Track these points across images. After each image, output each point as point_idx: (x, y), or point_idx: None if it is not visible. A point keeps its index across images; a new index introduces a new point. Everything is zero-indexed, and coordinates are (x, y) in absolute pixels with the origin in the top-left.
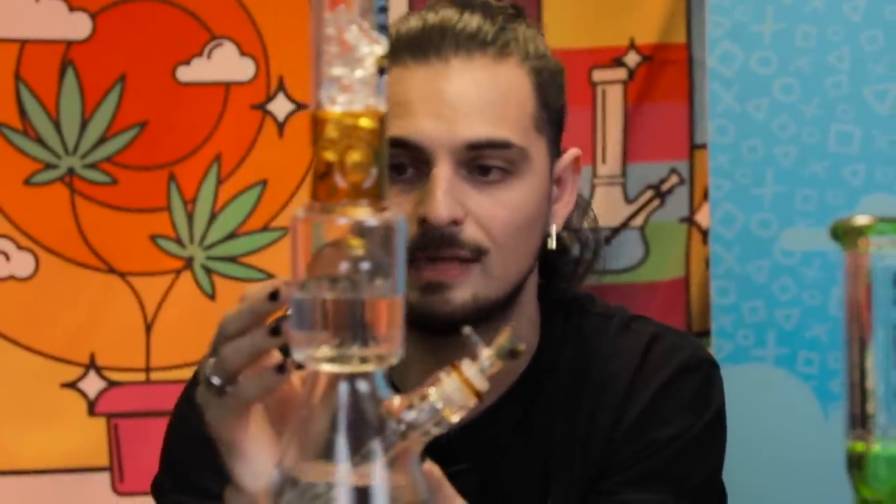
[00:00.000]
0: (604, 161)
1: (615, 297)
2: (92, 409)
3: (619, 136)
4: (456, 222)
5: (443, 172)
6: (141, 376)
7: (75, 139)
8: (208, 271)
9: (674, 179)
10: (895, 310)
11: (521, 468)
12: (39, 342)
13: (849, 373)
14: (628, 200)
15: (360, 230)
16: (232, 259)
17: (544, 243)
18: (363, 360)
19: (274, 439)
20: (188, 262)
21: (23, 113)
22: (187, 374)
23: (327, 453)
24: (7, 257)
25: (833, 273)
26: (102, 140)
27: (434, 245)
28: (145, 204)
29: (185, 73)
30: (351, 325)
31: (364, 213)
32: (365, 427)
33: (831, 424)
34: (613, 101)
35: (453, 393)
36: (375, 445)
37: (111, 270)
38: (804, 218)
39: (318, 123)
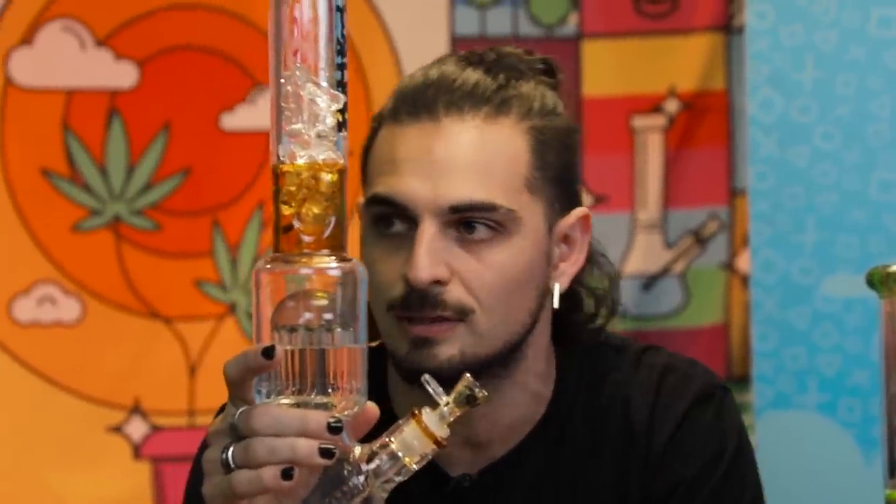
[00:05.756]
0: (644, 207)
1: (655, 343)
2: (137, 453)
3: (659, 182)
4: (440, 282)
5: (426, 233)
6: (185, 420)
7: (121, 186)
8: (251, 316)
9: (714, 225)
10: None
11: None
12: (85, 386)
13: (886, 420)
14: (668, 246)
15: (322, 280)
16: None
17: (549, 301)
18: (325, 408)
19: None
20: (232, 307)
21: (70, 160)
22: None
23: None
24: (54, 303)
25: (875, 320)
26: (148, 187)
27: (417, 306)
28: (189, 249)
29: (228, 121)
30: (311, 375)
31: (325, 263)
32: (328, 475)
33: (873, 471)
34: (653, 148)
35: (413, 441)
36: (338, 494)
37: (156, 315)
38: (845, 265)
39: (277, 178)
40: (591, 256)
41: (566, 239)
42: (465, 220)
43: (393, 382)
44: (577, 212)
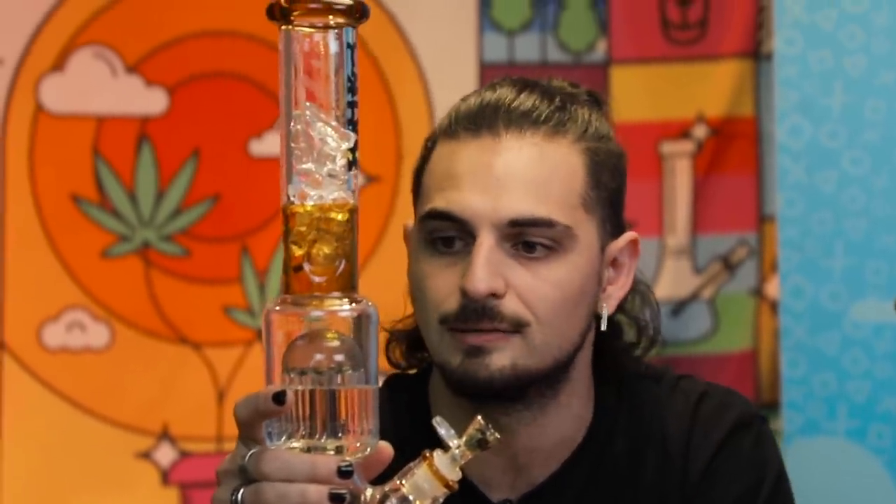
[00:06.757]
0: (672, 233)
1: (684, 369)
2: (165, 479)
3: (688, 207)
4: (496, 295)
5: (484, 245)
6: (213, 446)
7: (150, 212)
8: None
9: (743, 251)
10: None
11: None
12: (114, 412)
13: None
14: (697, 272)
15: (333, 322)
16: None
17: (596, 324)
18: (337, 451)
19: None
20: (260, 334)
21: (100, 186)
22: None
23: None
24: (83, 328)
25: None
26: (177, 213)
27: (474, 317)
28: (218, 275)
29: (257, 147)
30: (322, 417)
31: (336, 305)
32: None
33: None
34: (682, 173)
35: (424, 484)
36: None
37: (184, 341)
38: (875, 290)
39: (287, 218)
40: (636, 286)
41: (615, 262)
42: (523, 239)
43: (438, 409)
44: (627, 235)
